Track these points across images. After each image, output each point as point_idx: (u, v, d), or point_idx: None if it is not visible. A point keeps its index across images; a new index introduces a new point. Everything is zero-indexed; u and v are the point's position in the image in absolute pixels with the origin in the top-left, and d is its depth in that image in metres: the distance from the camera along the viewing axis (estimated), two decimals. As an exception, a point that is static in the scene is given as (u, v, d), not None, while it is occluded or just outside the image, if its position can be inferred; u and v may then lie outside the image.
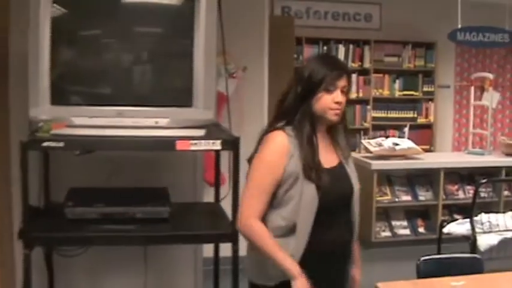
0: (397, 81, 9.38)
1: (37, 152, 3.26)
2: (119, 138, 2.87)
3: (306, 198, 2.58)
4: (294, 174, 2.58)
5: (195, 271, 4.01)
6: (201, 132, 2.94)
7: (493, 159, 7.51)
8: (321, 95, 2.60)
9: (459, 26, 7.72)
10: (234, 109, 5.80)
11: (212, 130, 3.05)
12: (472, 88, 8.33)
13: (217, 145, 2.88)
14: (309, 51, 8.73)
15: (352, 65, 8.91)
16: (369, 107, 9.12)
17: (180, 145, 2.84)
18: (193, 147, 2.85)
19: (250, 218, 2.59)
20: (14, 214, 3.62)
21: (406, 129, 8.59)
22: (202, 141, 2.87)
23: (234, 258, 2.97)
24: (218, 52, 3.81)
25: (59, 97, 2.94)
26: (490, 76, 8.29)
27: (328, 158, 2.68)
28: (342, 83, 2.61)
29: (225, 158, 3.25)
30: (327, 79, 2.59)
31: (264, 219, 2.62)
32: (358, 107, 9.06)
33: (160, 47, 3.07)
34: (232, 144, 2.90)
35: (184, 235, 3.07)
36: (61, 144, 2.80)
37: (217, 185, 3.70)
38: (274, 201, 2.63)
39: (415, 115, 9.51)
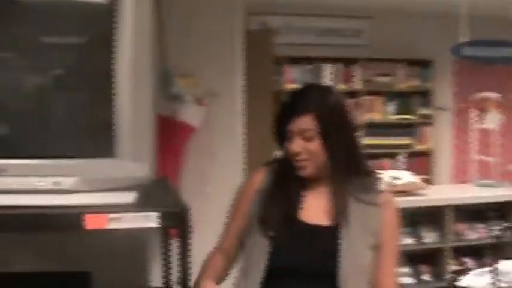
0: (391, 103, 8.62)
1: None
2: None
3: (256, 251, 2.19)
4: (252, 219, 2.24)
5: None
6: (128, 198, 1.86)
7: (507, 193, 6.57)
8: (285, 143, 2.22)
9: (461, 40, 7.02)
10: (202, 144, 4.96)
11: (149, 193, 1.94)
12: (473, 110, 7.56)
13: (152, 220, 1.78)
14: (290, 71, 8.00)
15: (341, 86, 8.16)
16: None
17: (90, 222, 1.74)
18: (113, 225, 1.76)
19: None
20: None
21: (402, 158, 7.89)
22: (129, 214, 1.77)
23: None
24: (180, 74, 3.39)
25: None
26: (494, 96, 7.44)
27: (317, 213, 2.21)
28: (297, 126, 2.16)
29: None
30: (278, 124, 2.22)
31: None
32: (347, 133, 8.16)
33: (67, 67, 1.95)
34: (178, 218, 1.80)
35: None
36: None
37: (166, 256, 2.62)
38: None
39: (411, 141, 8.77)
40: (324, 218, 2.20)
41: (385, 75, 8.62)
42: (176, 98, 3.57)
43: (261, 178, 2.31)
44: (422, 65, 8.66)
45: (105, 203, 1.82)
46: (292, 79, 8.07)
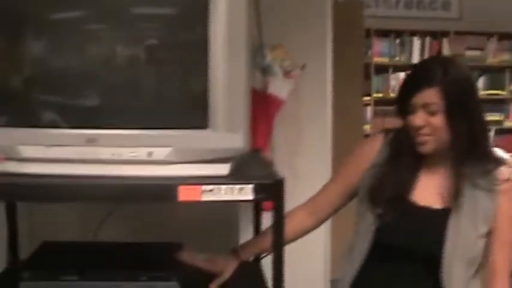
0: (481, 79, 8.32)
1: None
2: (86, 182, 1.76)
3: (363, 225, 2.19)
4: (364, 192, 2.20)
5: None
6: (222, 170, 1.82)
7: None
8: (407, 117, 2.13)
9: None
10: (290, 116, 4.89)
11: (242, 165, 1.90)
12: None
13: (247, 193, 1.73)
14: (378, 45, 7.84)
15: None
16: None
17: (184, 193, 1.71)
18: (206, 197, 1.72)
19: None
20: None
21: (491, 135, 7.70)
22: (222, 186, 1.73)
23: None
24: (269, 46, 3.31)
25: (-1, 114, 1.84)
26: None
27: (428, 193, 2.15)
28: (420, 100, 2.07)
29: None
30: (401, 96, 2.15)
31: None
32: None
33: (160, 38, 1.91)
34: (272, 190, 1.75)
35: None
36: (-7, 190, 1.72)
37: (257, 216, 2.59)
38: None
39: (502, 118, 8.46)
40: (435, 200, 2.14)
41: (475, 49, 8.33)
42: (265, 71, 3.51)
43: (377, 147, 2.25)
44: (514, 38, 8.33)
45: (199, 174, 1.78)
46: (380, 52, 7.93)
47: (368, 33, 7.37)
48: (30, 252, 2.35)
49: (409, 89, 2.11)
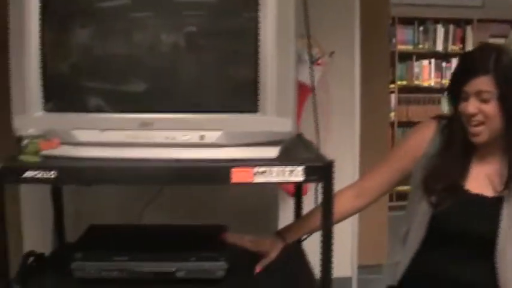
0: (505, 66, 8.25)
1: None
2: (141, 164, 1.83)
3: (418, 213, 2.21)
4: (417, 179, 2.23)
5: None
6: (272, 153, 1.87)
7: None
8: (459, 105, 2.15)
9: None
10: (318, 103, 4.92)
11: (290, 148, 1.96)
12: None
13: (297, 175, 1.79)
14: (402, 32, 7.83)
15: (453, 47, 7.93)
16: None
17: (237, 175, 1.77)
18: (258, 179, 1.77)
19: None
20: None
21: None
22: (274, 168, 1.79)
23: None
24: (299, 34, 3.13)
25: (54, 100, 1.92)
26: None
27: (481, 182, 2.17)
28: (473, 87, 2.08)
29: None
30: (454, 83, 2.17)
31: None
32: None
33: (210, 24, 1.97)
34: (322, 172, 1.81)
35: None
36: (52, 174, 1.78)
37: (298, 201, 2.67)
38: None
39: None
40: (488, 188, 2.16)
41: (498, 36, 8.23)
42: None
43: (430, 135, 2.26)
44: (539, 26, 8.26)
45: (250, 157, 1.83)
46: (404, 40, 7.93)
47: (392, 21, 7.39)
48: (75, 235, 2.43)
49: (462, 76, 2.12)
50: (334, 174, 1.82)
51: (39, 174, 1.78)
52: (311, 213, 2.32)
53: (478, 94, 2.07)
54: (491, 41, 8.16)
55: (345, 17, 4.85)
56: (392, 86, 7.61)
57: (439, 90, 7.73)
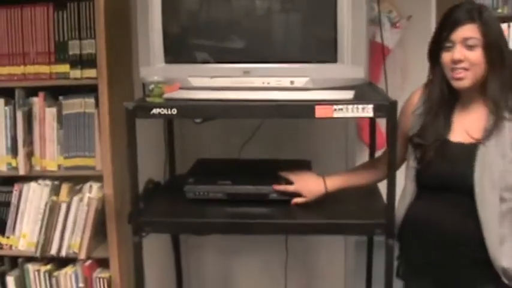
0: None
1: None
2: (244, 103, 2.30)
3: (409, 168, 2.38)
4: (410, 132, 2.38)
5: (346, 244, 3.52)
6: (348, 95, 2.31)
7: None
8: (442, 55, 2.25)
9: None
10: (396, 64, 5.27)
11: (362, 92, 2.39)
12: None
13: (368, 111, 2.22)
14: (481, -3, 7.94)
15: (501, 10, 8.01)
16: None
17: (320, 111, 2.22)
18: (337, 114, 2.22)
19: None
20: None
21: None
22: (349, 106, 2.22)
23: (388, 253, 2.34)
24: None
25: (173, 54, 2.44)
26: None
27: (462, 131, 2.28)
28: (461, 34, 2.19)
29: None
30: (440, 33, 2.25)
31: None
32: None
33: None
34: (387, 110, 2.23)
35: (330, 224, 2.42)
36: (174, 111, 2.27)
37: (372, 152, 3.08)
38: None
39: None
40: (467, 136, 2.27)
41: None
42: (373, 21, 3.85)
43: (416, 99, 2.42)
44: None
45: (331, 98, 2.28)
46: (482, 3, 8.06)
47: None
48: (183, 168, 2.94)
49: (449, 25, 2.21)
50: (397, 112, 2.26)
51: (163, 111, 2.28)
52: (361, 168, 2.67)
53: (464, 41, 2.18)
54: None
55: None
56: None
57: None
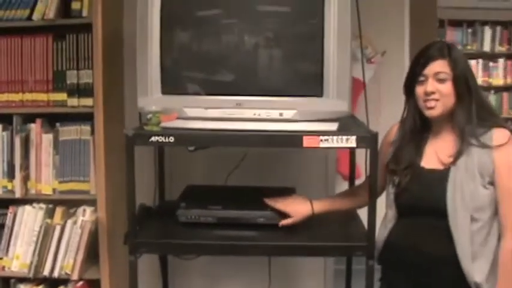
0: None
1: (150, 147, 2.97)
2: (237, 132, 2.48)
3: (388, 194, 2.57)
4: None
5: (325, 271, 3.67)
6: (333, 127, 2.51)
7: None
8: (416, 89, 2.48)
9: None
10: (370, 98, 5.43)
11: (346, 124, 2.60)
12: None
13: (351, 142, 2.42)
14: (452, 34, 8.19)
15: (500, 48, 8.26)
16: (517, 94, 8.35)
17: (307, 141, 2.41)
18: (323, 144, 2.41)
19: None
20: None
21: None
22: (334, 137, 2.42)
23: (368, 273, 2.53)
24: (353, 35, 3.61)
25: (170, 86, 2.61)
26: None
27: (434, 158, 2.49)
28: (433, 69, 2.42)
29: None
30: (414, 69, 2.49)
31: None
32: (505, 94, 8.23)
33: (286, 28, 2.63)
34: (369, 141, 2.43)
35: (313, 246, 2.61)
36: (171, 139, 2.44)
37: (351, 182, 3.26)
38: None
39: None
40: (439, 163, 2.46)
41: (544, 37, 8.65)
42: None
43: (393, 134, 2.63)
44: None
45: (317, 129, 2.47)
46: (454, 41, 8.29)
47: (442, 24, 7.79)
48: (171, 194, 3.10)
49: (422, 61, 2.44)
50: (378, 143, 2.46)
51: (161, 138, 2.44)
52: (343, 194, 2.90)
53: (436, 75, 2.40)
54: (538, 42, 8.52)
55: (396, 19, 5.38)
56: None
57: (486, 88, 8.07)
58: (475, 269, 2.36)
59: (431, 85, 2.41)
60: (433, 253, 2.42)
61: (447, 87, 2.41)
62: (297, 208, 2.69)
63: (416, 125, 2.54)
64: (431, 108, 2.43)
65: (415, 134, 2.54)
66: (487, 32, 8.31)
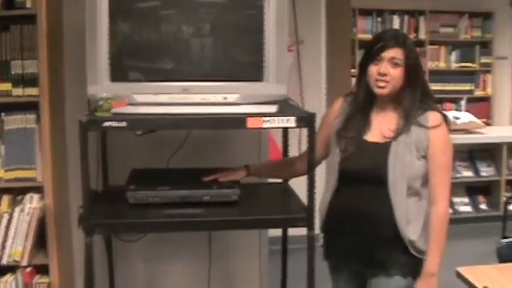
0: (453, 52, 9.19)
1: (94, 132, 3.05)
2: (185, 116, 2.66)
3: (332, 160, 2.81)
4: (333, 135, 2.81)
5: (260, 252, 3.86)
6: (273, 109, 2.72)
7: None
8: (370, 67, 2.72)
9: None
10: (290, 83, 5.67)
11: (284, 106, 2.82)
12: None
13: (291, 122, 2.64)
14: (362, 23, 8.58)
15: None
16: (424, 79, 8.76)
17: (251, 122, 2.61)
18: (265, 125, 2.62)
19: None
20: (71, 199, 3.48)
21: (463, 103, 8.40)
22: (275, 117, 2.63)
23: (309, 243, 2.74)
24: None
25: (119, 73, 2.75)
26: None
27: (377, 132, 2.77)
28: (390, 54, 2.68)
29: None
30: (373, 49, 2.71)
31: None
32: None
33: (228, 18, 2.83)
34: (307, 120, 2.66)
35: (256, 219, 2.84)
36: (123, 124, 2.59)
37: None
38: None
39: (472, 87, 9.33)
40: (381, 137, 2.75)
41: (448, 26, 9.13)
42: None
43: (339, 106, 2.89)
44: (483, 16, 9.15)
45: (259, 111, 2.68)
46: (364, 29, 8.64)
47: (353, 13, 8.12)
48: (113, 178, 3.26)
49: (382, 45, 2.68)
50: (315, 122, 2.68)
51: (114, 124, 2.59)
52: (280, 162, 3.23)
53: (391, 60, 2.67)
54: (442, 30, 8.94)
55: (313, 9, 5.65)
56: (353, 70, 8.38)
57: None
58: (410, 229, 2.69)
59: (385, 67, 2.68)
60: (373, 216, 2.72)
61: (398, 72, 2.69)
62: (234, 173, 3.00)
63: (367, 98, 2.79)
64: (381, 87, 2.70)
65: (364, 107, 2.80)
66: (396, 20, 8.70)
